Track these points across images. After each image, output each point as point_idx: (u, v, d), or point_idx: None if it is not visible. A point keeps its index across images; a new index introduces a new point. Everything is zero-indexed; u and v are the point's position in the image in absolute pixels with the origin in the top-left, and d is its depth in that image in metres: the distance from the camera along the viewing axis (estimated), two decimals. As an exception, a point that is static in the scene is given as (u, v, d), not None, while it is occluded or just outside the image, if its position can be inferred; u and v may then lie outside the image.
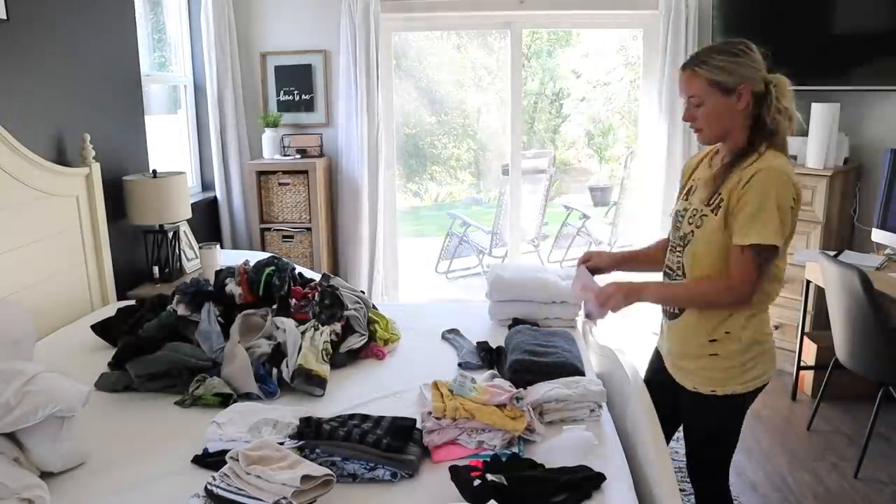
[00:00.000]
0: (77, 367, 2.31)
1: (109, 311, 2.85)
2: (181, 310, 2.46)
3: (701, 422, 1.87)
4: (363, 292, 2.77)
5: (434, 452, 1.75)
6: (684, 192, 1.88)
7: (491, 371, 2.22)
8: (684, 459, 2.24)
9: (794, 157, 3.76)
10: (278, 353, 2.29)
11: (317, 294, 2.56)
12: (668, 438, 2.06)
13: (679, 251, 1.82)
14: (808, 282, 3.40)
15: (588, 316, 1.98)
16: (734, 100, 1.68)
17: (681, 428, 2.02)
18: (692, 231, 1.77)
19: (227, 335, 2.34)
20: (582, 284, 1.93)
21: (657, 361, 2.01)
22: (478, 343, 2.49)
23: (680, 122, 4.18)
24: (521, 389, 1.91)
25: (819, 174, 3.53)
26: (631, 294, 1.79)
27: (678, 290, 1.80)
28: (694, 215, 1.77)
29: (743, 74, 1.67)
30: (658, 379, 1.96)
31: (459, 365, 2.38)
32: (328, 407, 2.04)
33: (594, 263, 2.01)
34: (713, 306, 1.75)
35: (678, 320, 1.85)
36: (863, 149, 3.77)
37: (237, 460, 1.55)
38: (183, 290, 2.52)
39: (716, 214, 1.71)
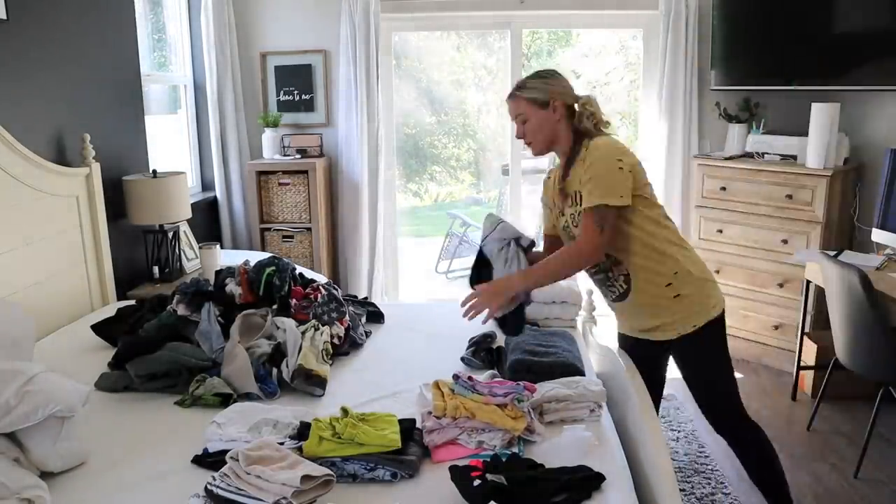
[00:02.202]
0: (77, 367, 2.31)
1: (109, 311, 2.86)
2: (181, 310, 2.46)
3: (697, 358, 2.12)
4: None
5: (434, 452, 1.75)
6: (558, 210, 2.16)
7: (491, 371, 2.22)
8: (684, 459, 2.25)
9: (794, 157, 3.77)
10: (278, 353, 2.29)
11: (320, 296, 2.56)
12: (657, 403, 2.27)
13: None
14: (808, 282, 3.40)
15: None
16: (551, 111, 2.05)
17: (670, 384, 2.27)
18: (574, 225, 2.06)
19: (227, 335, 2.34)
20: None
21: (626, 342, 2.25)
22: (478, 343, 2.48)
23: (680, 122, 4.20)
24: (523, 384, 1.89)
25: (819, 174, 3.53)
26: (497, 292, 2.00)
27: (539, 270, 2.01)
28: (572, 217, 2.07)
29: (552, 91, 2.05)
30: (635, 355, 2.16)
31: (462, 359, 2.40)
32: (328, 407, 2.04)
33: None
34: (574, 270, 2.03)
35: (630, 297, 2.07)
36: (863, 149, 3.77)
37: (237, 460, 1.56)
38: (183, 290, 2.52)
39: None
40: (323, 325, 2.42)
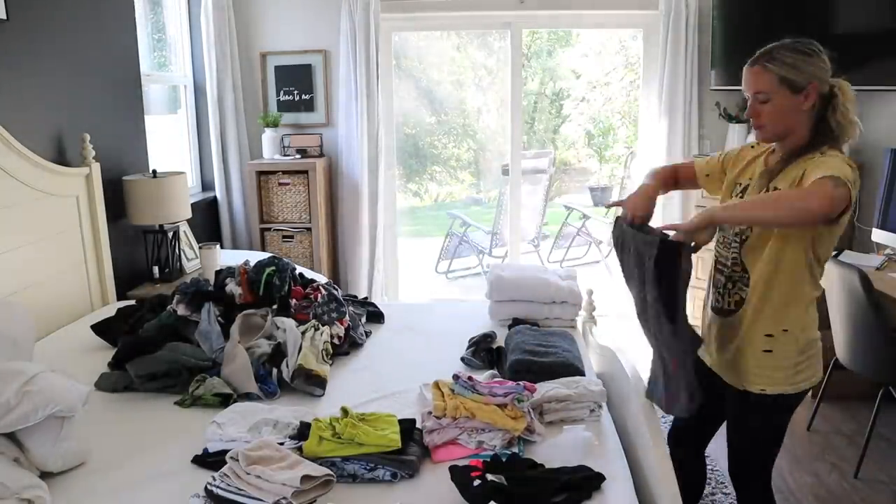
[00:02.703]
0: (77, 367, 2.30)
1: (109, 311, 2.85)
2: (181, 310, 2.46)
3: (748, 422, 1.85)
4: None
5: (434, 452, 1.75)
6: (740, 189, 1.83)
7: (491, 371, 2.22)
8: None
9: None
10: (278, 353, 2.29)
11: (320, 296, 2.56)
12: (709, 438, 2.11)
13: (735, 248, 1.78)
14: (808, 282, 3.40)
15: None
16: (801, 98, 1.66)
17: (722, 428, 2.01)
18: (750, 228, 1.73)
19: (227, 335, 2.34)
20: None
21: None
22: (478, 343, 2.48)
23: (680, 122, 4.20)
24: (523, 384, 1.88)
25: (819, 174, 3.52)
26: (715, 214, 1.63)
27: (751, 204, 1.64)
28: None
29: (812, 73, 1.65)
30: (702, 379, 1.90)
31: (462, 359, 2.40)
32: (328, 407, 2.04)
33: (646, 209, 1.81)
34: (795, 217, 1.54)
35: (733, 317, 1.79)
36: (863, 149, 3.77)
37: (237, 460, 1.56)
38: (183, 290, 2.52)
39: None
40: (323, 325, 2.42)
